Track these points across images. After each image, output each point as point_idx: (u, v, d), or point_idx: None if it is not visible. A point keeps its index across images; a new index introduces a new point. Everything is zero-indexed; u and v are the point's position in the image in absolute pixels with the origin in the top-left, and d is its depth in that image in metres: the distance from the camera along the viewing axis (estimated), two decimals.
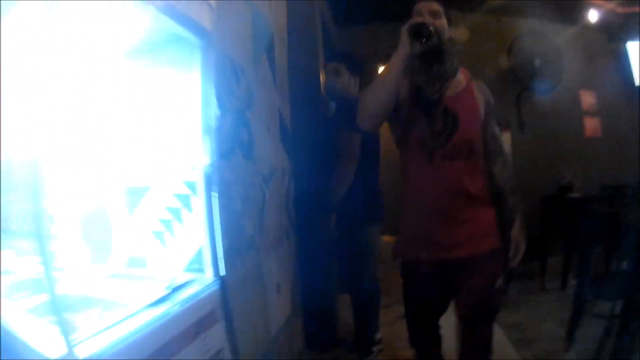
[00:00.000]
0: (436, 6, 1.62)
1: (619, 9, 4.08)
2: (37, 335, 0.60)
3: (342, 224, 2.10)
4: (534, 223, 3.31)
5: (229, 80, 1.20)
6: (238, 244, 1.18)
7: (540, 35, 4.63)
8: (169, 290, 0.91)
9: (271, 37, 1.68)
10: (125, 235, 1.12)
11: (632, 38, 4.23)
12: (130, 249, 1.12)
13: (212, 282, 1.04)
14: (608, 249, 2.38)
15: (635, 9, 3.95)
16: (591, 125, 4.41)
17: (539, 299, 2.97)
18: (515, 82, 4.61)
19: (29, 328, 0.61)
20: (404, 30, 1.49)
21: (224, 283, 1.06)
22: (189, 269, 1.07)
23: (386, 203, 2.16)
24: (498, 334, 1.96)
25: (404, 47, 1.50)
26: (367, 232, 2.07)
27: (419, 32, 1.47)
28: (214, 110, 1.08)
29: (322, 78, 2.45)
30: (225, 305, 1.05)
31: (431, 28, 1.47)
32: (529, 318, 2.59)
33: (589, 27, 4.21)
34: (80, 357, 0.61)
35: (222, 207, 1.07)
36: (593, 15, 4.23)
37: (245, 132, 1.31)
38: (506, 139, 4.37)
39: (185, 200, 1.09)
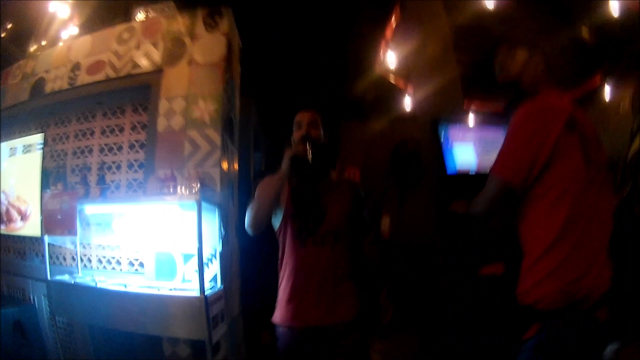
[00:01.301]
0: (315, 116, 1.71)
1: None
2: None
3: None
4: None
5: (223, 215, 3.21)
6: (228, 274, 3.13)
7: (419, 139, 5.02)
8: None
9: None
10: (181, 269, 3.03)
11: None
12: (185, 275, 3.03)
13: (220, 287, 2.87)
14: None
15: None
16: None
17: None
18: (397, 179, 5.24)
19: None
20: (287, 157, 1.56)
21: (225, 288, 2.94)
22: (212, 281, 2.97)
23: None
24: None
25: (283, 172, 1.57)
26: None
27: (299, 164, 1.53)
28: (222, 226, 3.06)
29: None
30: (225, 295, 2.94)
31: (309, 156, 1.52)
32: None
33: None
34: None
35: (222, 257, 3.01)
36: None
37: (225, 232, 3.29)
38: (386, 222, 4.85)
39: (212, 256, 3.02)
